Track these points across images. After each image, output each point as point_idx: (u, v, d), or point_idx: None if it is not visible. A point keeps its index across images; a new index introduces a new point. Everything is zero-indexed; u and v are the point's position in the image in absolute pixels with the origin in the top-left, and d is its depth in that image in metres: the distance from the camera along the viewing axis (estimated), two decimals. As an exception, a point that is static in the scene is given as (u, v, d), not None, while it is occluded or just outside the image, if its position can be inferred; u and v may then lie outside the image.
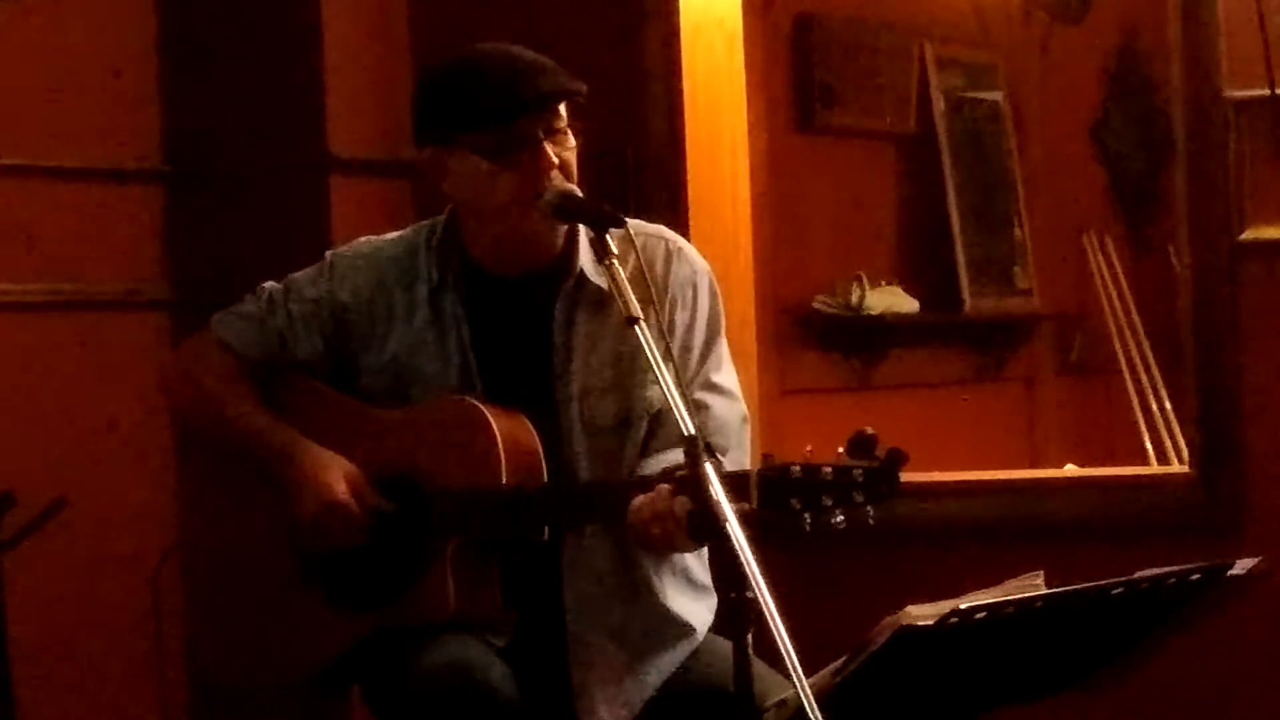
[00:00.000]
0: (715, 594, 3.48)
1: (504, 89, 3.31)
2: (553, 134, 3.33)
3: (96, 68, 4.94)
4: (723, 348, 3.51)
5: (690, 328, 3.45)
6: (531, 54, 3.37)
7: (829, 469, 3.05)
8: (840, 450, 3.06)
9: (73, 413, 4.85)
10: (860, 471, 3.04)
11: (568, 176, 3.34)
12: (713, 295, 3.50)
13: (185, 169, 5.03)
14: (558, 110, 3.34)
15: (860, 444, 3.04)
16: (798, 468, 3.06)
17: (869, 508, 3.04)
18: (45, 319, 4.83)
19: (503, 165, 3.32)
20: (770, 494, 3.07)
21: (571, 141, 3.35)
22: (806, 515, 3.05)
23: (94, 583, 4.83)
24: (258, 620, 3.53)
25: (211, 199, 5.00)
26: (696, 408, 3.30)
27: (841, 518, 3.05)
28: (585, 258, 3.40)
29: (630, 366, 3.39)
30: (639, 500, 3.17)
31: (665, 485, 3.15)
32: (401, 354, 3.47)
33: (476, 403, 3.35)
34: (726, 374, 3.49)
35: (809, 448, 3.10)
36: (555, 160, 3.31)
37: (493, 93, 3.31)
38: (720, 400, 3.44)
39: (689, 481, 2.95)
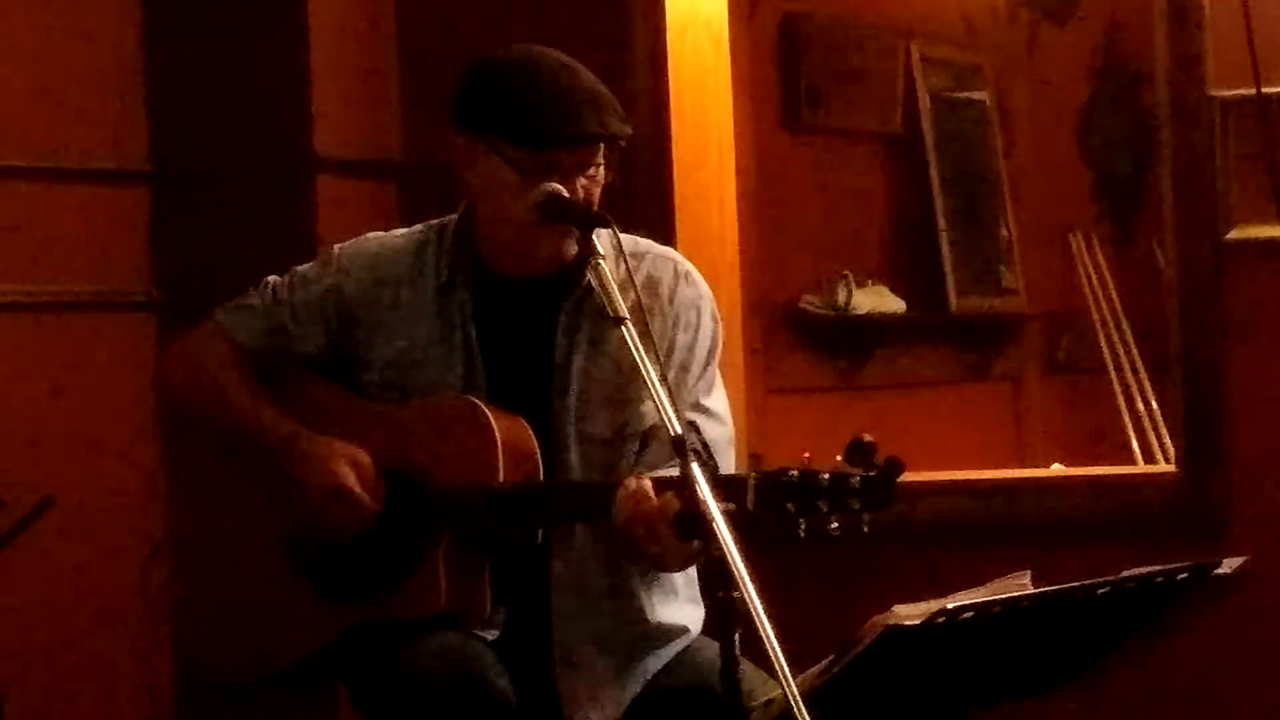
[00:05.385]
0: (703, 607, 3.47)
1: (556, 116, 3.31)
2: (585, 168, 3.33)
3: (82, 68, 4.92)
4: (716, 373, 3.50)
5: (691, 349, 3.45)
6: (590, 80, 3.36)
7: (826, 475, 3.03)
8: (839, 458, 3.04)
9: (58, 413, 4.84)
10: (858, 479, 3.02)
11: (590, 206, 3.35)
12: (714, 321, 3.50)
13: (171, 170, 5.01)
14: (597, 146, 3.35)
15: (859, 450, 3.02)
16: (795, 472, 3.05)
17: (865, 515, 3.03)
18: (31, 319, 4.81)
19: (529, 184, 3.32)
20: (766, 497, 3.06)
21: (601, 175, 3.36)
22: (802, 521, 3.04)
23: (81, 582, 4.82)
24: (246, 610, 3.51)
25: (198, 200, 4.99)
26: None
27: (836, 525, 3.04)
28: None
29: (630, 380, 3.37)
30: (622, 493, 3.15)
31: (649, 481, 3.14)
32: (406, 350, 3.45)
33: (478, 402, 3.34)
34: (717, 398, 3.48)
35: (807, 454, 3.09)
36: (580, 195, 3.32)
37: (544, 116, 3.31)
38: (709, 422, 3.41)
39: (676, 482, 2.96)
